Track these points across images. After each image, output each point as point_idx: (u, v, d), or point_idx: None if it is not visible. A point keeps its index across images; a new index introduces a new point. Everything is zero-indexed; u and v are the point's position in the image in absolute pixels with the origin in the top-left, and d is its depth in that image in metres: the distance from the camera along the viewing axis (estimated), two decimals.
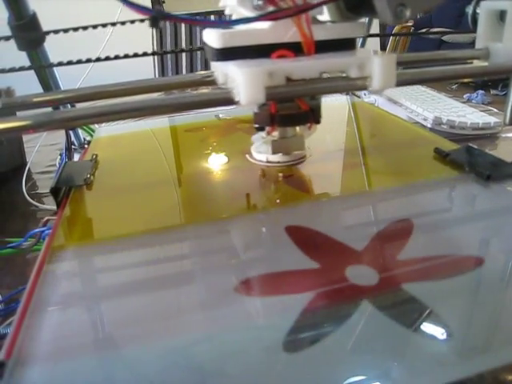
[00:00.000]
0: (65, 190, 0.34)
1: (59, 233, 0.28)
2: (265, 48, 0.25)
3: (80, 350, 0.19)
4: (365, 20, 0.27)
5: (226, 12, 0.27)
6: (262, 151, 0.35)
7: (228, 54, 0.25)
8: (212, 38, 0.25)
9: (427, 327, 0.19)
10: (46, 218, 0.33)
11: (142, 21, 0.58)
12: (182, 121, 0.52)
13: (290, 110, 0.27)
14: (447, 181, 0.33)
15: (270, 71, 0.23)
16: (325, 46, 0.26)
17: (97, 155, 0.39)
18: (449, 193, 0.32)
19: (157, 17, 0.21)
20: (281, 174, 0.34)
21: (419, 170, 0.35)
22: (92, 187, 0.34)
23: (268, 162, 0.35)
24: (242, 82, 0.22)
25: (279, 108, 0.26)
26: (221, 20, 0.26)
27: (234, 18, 0.26)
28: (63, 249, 0.26)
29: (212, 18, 0.92)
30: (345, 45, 0.26)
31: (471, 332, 0.19)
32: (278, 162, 0.35)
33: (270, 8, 0.24)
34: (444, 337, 0.19)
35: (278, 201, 0.31)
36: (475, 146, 0.36)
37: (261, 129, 0.28)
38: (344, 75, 0.25)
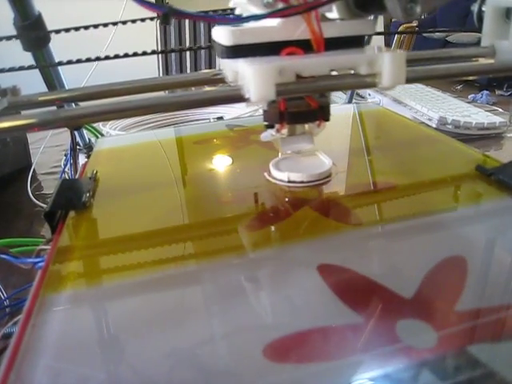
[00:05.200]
0: (61, 213, 0.30)
1: (53, 270, 0.24)
2: (274, 45, 0.25)
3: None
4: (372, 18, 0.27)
5: (237, 11, 0.27)
6: (282, 169, 0.32)
7: (238, 51, 0.25)
8: (222, 35, 0.25)
9: None
10: (39, 248, 0.28)
11: (142, 20, 0.58)
12: (190, 131, 0.48)
13: (300, 107, 0.27)
14: (497, 206, 0.28)
15: (280, 68, 0.23)
16: (334, 44, 0.26)
17: (97, 172, 0.35)
18: (502, 221, 0.27)
19: (168, 14, 0.21)
20: (306, 197, 0.30)
21: (463, 193, 0.31)
22: (92, 210, 0.30)
23: (290, 181, 0.31)
24: (253, 78, 0.22)
25: (288, 105, 0.26)
26: (232, 17, 0.26)
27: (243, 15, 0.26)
28: (57, 292, 0.22)
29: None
30: (354, 42, 0.26)
31: None
32: (302, 182, 0.31)
33: (280, 5, 0.24)
34: None
35: (305, 232, 0.26)
36: None
37: (270, 126, 0.28)
38: (353, 72, 0.26)
